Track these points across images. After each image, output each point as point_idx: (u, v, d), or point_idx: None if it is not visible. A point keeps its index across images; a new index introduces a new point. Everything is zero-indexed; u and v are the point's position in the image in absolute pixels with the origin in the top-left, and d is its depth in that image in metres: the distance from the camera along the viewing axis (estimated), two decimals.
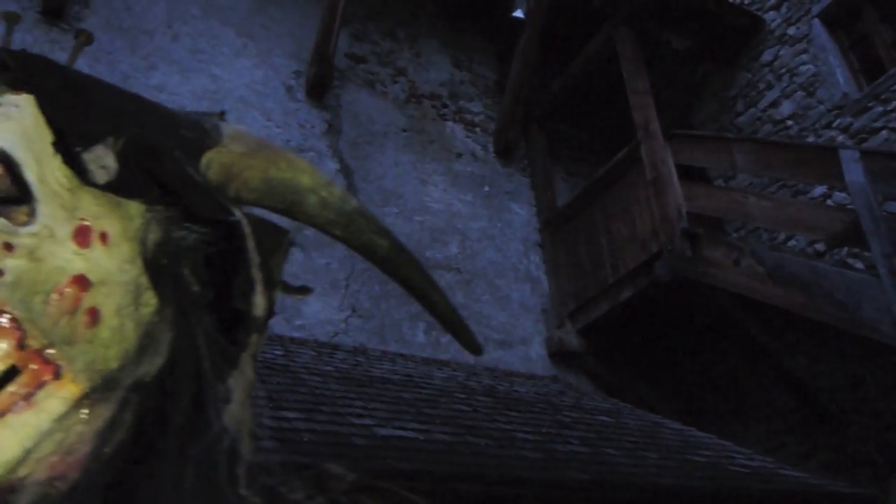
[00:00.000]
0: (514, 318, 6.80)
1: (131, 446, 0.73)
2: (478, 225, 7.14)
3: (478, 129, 7.74)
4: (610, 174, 6.81)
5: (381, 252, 1.06)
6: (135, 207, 0.83)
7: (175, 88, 6.38)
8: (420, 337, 6.22)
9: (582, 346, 6.64)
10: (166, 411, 0.76)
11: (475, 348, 1.19)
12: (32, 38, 6.31)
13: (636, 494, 3.78)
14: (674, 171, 6.18)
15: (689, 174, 6.33)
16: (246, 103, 6.53)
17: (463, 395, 4.90)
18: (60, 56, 5.77)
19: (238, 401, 0.83)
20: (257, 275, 0.86)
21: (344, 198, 1.03)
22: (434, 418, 4.14)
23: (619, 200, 6.64)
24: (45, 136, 0.80)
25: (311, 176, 1.00)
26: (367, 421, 3.69)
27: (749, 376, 6.85)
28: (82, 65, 7.12)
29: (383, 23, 7.76)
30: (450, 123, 7.61)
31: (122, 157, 0.81)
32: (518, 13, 7.80)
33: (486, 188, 7.42)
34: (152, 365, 0.77)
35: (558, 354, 6.79)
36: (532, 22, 7.16)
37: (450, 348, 6.44)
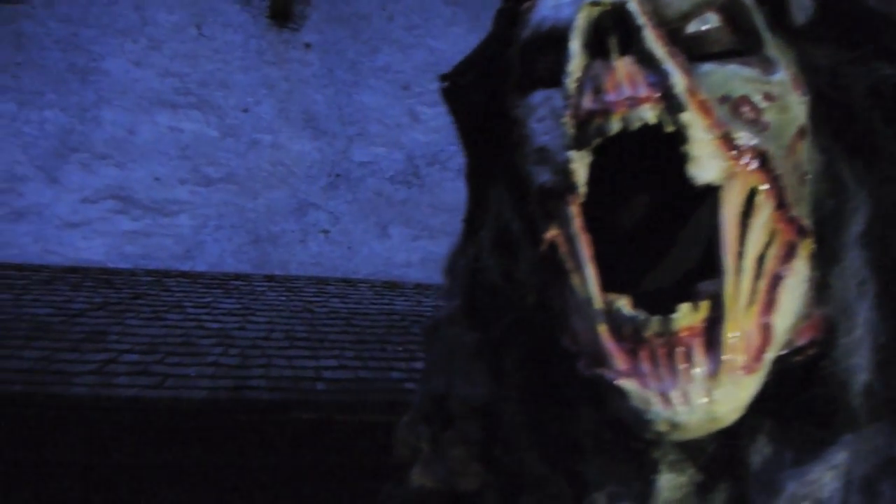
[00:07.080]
0: None
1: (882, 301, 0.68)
2: None
3: None
4: None
5: None
6: (789, 52, 0.75)
7: (399, 66, 6.71)
8: None
9: None
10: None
11: None
12: (266, 42, 6.84)
13: None
14: None
15: None
16: None
17: None
18: (293, 54, 6.16)
19: None
20: None
21: None
22: None
23: None
24: None
25: None
26: None
27: None
28: (313, 59, 7.54)
29: None
30: None
31: None
32: None
33: None
34: (858, 216, 0.70)
35: None
36: None
37: None
